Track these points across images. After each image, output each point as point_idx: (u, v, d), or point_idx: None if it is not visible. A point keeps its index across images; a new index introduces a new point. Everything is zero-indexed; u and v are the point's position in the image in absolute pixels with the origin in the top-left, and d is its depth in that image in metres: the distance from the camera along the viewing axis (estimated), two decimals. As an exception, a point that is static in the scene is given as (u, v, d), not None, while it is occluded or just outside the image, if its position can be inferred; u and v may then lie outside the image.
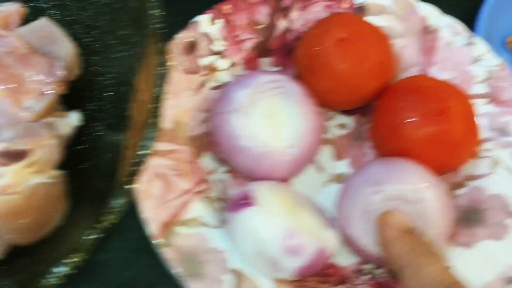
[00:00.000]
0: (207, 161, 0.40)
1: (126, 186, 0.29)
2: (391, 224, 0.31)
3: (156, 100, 0.32)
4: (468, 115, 0.37)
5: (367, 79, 0.39)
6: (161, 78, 0.32)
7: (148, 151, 0.29)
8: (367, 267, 0.38)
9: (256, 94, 0.38)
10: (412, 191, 0.34)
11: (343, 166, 0.41)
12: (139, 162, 0.29)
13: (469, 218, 0.38)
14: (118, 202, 0.28)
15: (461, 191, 0.39)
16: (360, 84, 0.39)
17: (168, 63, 0.33)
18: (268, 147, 0.37)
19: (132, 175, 0.29)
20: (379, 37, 0.40)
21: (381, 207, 0.34)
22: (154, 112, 0.31)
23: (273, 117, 0.38)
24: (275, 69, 0.44)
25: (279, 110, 0.38)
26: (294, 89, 0.39)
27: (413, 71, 0.43)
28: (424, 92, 0.37)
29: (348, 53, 0.38)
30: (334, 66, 0.38)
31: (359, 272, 0.37)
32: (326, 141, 0.42)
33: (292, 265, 0.33)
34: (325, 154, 0.42)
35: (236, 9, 0.43)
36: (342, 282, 0.37)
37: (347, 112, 0.43)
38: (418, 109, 0.37)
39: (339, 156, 0.42)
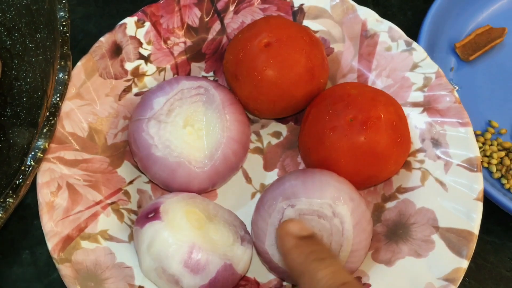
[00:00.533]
0: (126, 171, 0.38)
1: (7, 200, 0.27)
2: (289, 233, 0.29)
3: (52, 107, 0.30)
4: (396, 125, 0.35)
5: (294, 86, 0.37)
6: (60, 84, 0.31)
7: (34, 164, 0.28)
8: (288, 284, 0.36)
9: (175, 101, 0.36)
10: (327, 206, 0.32)
11: (272, 176, 0.40)
12: (23, 176, 0.28)
13: (395, 233, 0.36)
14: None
15: (391, 204, 0.37)
16: (286, 91, 0.37)
17: (69, 69, 0.31)
18: (183, 158, 0.35)
19: (14, 189, 0.27)
20: (309, 42, 0.38)
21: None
22: (47, 121, 0.29)
23: (191, 126, 0.36)
24: (207, 74, 0.42)
25: (198, 119, 0.36)
26: (217, 96, 0.37)
27: (351, 77, 0.41)
28: (350, 100, 0.35)
29: (273, 59, 0.37)
30: (258, 72, 0.36)
31: (280, 288, 0.36)
32: (256, 150, 0.41)
33: (194, 283, 0.31)
34: (255, 163, 0.40)
35: (166, 12, 0.41)
36: (259, 299, 0.35)
37: (281, 119, 0.42)
38: (342, 118, 0.35)
39: (269, 166, 0.40)
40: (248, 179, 0.40)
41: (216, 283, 0.32)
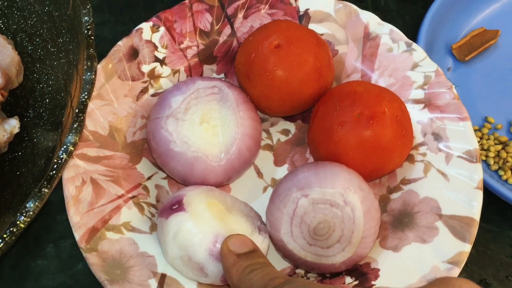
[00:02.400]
0: (145, 167, 0.40)
1: (42, 190, 0.29)
2: (229, 251, 0.32)
3: (81, 105, 0.32)
4: (400, 120, 0.37)
5: (303, 85, 0.39)
6: (87, 83, 0.33)
7: (66, 157, 0.30)
8: (301, 271, 0.38)
9: (192, 100, 0.39)
10: (339, 195, 0.34)
11: (282, 171, 0.42)
12: (56, 167, 0.30)
13: (400, 222, 0.38)
14: (30, 206, 0.28)
15: (396, 195, 0.39)
16: (295, 90, 0.39)
17: (95, 69, 0.33)
18: (200, 153, 0.37)
19: (49, 180, 0.29)
20: (317, 44, 0.40)
21: (309, 211, 0.35)
22: (77, 117, 0.31)
23: (207, 122, 0.38)
24: (218, 76, 0.44)
25: (214, 116, 0.38)
26: (231, 95, 0.39)
27: (355, 77, 0.44)
28: (356, 97, 0.38)
29: (283, 60, 0.39)
30: (269, 72, 0.39)
31: (293, 276, 0.38)
32: (267, 147, 0.43)
33: (218, 270, 0.33)
34: (266, 159, 0.42)
35: (179, 17, 0.43)
36: (275, 286, 0.37)
37: (289, 118, 0.44)
38: (349, 114, 0.37)
39: (279, 161, 0.42)
40: (259, 174, 0.42)
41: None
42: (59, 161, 0.30)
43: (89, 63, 0.33)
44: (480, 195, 0.37)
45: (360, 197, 0.35)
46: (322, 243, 0.35)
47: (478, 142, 0.44)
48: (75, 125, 0.31)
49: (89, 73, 0.33)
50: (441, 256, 0.36)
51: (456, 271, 0.35)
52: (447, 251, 0.36)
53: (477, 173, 0.38)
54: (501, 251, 0.41)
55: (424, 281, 0.34)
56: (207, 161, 0.37)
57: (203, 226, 0.33)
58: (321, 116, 0.39)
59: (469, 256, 0.36)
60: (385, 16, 0.51)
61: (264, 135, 0.43)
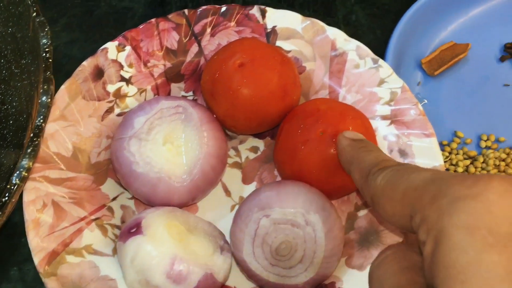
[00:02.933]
0: (110, 187, 0.40)
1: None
2: (345, 136, 0.34)
3: (36, 129, 0.32)
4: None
5: (267, 103, 0.39)
6: (43, 107, 0.33)
7: (19, 183, 0.29)
8: (267, 291, 0.37)
9: (155, 120, 0.38)
10: (300, 215, 0.34)
11: (251, 189, 0.41)
12: (8, 194, 0.29)
13: (367, 240, 0.38)
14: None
15: (363, 212, 0.39)
16: (260, 108, 0.39)
17: (51, 93, 0.33)
18: (163, 173, 0.37)
19: (1, 206, 0.29)
20: (281, 62, 0.40)
21: (271, 231, 0.34)
22: (31, 142, 0.31)
23: (170, 143, 0.38)
24: (187, 94, 0.44)
25: (178, 136, 0.38)
26: (195, 114, 0.39)
27: (323, 93, 0.44)
28: (320, 115, 0.38)
29: (247, 78, 0.39)
30: (233, 91, 0.39)
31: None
32: (235, 165, 0.43)
33: (177, 292, 0.33)
34: (234, 177, 0.42)
35: (146, 36, 0.43)
36: (239, 307, 0.36)
37: (258, 135, 0.44)
38: (313, 132, 0.37)
39: (247, 179, 0.42)
40: (227, 192, 0.42)
41: (197, 292, 0.33)
42: (12, 187, 0.30)
43: (45, 87, 0.33)
44: (445, 212, 0.37)
45: (322, 216, 0.34)
46: (284, 264, 0.35)
47: (447, 157, 0.44)
48: (29, 150, 0.31)
49: (45, 97, 0.33)
50: (405, 275, 0.35)
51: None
52: (411, 269, 0.36)
53: (443, 189, 0.38)
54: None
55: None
56: (170, 182, 0.37)
57: (160, 248, 0.33)
58: (285, 135, 0.39)
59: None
60: (356, 31, 0.51)
61: (232, 152, 0.43)
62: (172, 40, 0.44)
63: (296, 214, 0.34)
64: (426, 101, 0.47)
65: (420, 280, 0.22)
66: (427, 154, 0.39)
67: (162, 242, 0.34)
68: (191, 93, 0.44)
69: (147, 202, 0.38)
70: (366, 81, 0.43)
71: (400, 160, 0.40)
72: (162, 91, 0.44)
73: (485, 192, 0.20)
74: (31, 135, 0.31)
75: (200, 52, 0.44)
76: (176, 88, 0.44)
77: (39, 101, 0.33)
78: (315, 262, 0.34)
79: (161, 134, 0.38)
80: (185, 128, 0.38)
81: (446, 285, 0.19)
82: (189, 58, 0.44)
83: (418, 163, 0.39)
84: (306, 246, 0.34)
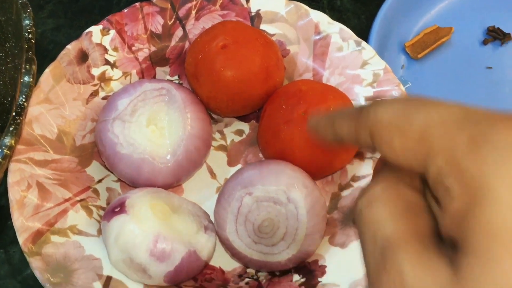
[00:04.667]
0: (95, 170, 0.40)
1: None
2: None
3: (18, 108, 0.32)
4: (346, 117, 0.38)
5: (250, 85, 0.39)
6: (25, 87, 0.33)
7: (1, 160, 0.30)
8: (252, 270, 0.38)
9: (138, 102, 0.39)
10: (282, 192, 0.35)
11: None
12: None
13: (349, 219, 0.38)
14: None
15: (346, 192, 0.40)
16: (243, 90, 0.39)
17: (34, 73, 0.33)
18: (147, 154, 0.37)
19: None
20: (264, 44, 0.40)
21: (253, 209, 0.35)
22: (13, 120, 0.31)
23: (154, 124, 0.38)
24: (172, 78, 0.44)
25: (161, 118, 0.38)
26: (179, 96, 0.39)
27: (307, 76, 0.44)
28: (302, 95, 0.38)
29: (230, 60, 0.39)
30: (216, 72, 0.39)
31: (244, 275, 0.38)
32: (220, 147, 0.43)
33: (161, 270, 0.33)
34: (219, 160, 0.42)
35: (130, 20, 0.43)
36: (224, 286, 0.37)
37: (243, 118, 0.44)
38: (295, 112, 0.37)
39: (232, 161, 0.42)
40: (213, 175, 0.42)
41: (181, 269, 0.34)
42: (-6, 165, 0.30)
43: (27, 66, 0.33)
44: (426, 190, 0.38)
45: (304, 194, 0.35)
46: (267, 241, 0.35)
47: (430, 138, 0.45)
48: (11, 128, 0.31)
49: (27, 76, 0.33)
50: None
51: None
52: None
53: (424, 168, 0.38)
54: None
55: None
56: (153, 163, 0.37)
57: (144, 227, 0.33)
58: (268, 116, 0.39)
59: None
60: (340, 16, 0.52)
61: (218, 135, 0.43)
62: (157, 24, 0.44)
63: (278, 192, 0.35)
64: (410, 84, 0.48)
65: (426, 224, 0.19)
66: (409, 133, 0.40)
67: (145, 221, 0.34)
68: (176, 77, 0.44)
69: (132, 183, 0.38)
70: (349, 63, 0.43)
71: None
72: (147, 75, 0.44)
73: None
74: (13, 114, 0.31)
75: (185, 36, 0.44)
76: (162, 72, 0.44)
77: (21, 80, 0.33)
78: (297, 239, 0.35)
79: (145, 115, 0.38)
80: (169, 110, 0.39)
81: (485, 247, 0.16)
82: (173, 42, 0.44)
83: (400, 143, 0.40)
84: (288, 223, 0.35)
